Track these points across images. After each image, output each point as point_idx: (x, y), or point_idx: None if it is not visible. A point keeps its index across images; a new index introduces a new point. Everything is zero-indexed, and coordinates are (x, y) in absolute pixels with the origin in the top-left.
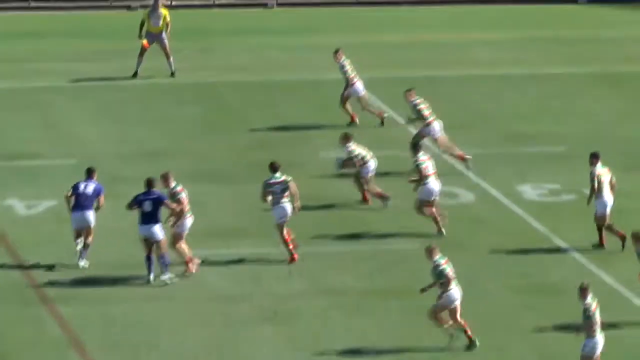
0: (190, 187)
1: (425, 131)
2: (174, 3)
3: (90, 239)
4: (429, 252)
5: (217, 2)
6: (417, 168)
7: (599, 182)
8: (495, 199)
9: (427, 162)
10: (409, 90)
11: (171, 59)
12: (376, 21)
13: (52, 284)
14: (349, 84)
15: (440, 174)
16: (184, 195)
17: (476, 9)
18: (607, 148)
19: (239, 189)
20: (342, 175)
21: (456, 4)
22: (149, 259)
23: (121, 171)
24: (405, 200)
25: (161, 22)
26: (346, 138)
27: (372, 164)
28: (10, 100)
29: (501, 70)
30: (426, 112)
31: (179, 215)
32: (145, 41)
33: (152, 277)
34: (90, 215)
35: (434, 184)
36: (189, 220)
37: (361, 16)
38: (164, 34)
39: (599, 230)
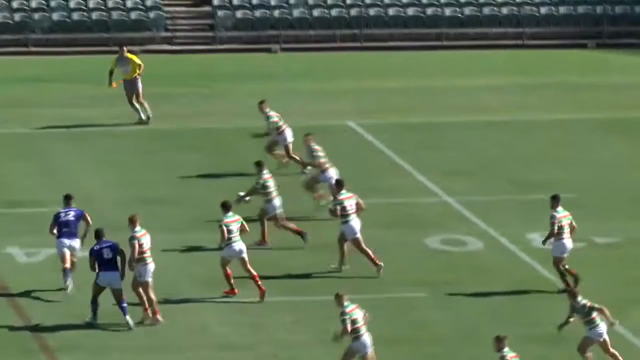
0: (192, 234)
1: (321, 177)
2: (176, 48)
3: (74, 261)
4: (338, 299)
5: (220, 47)
6: (335, 207)
7: (560, 226)
8: (504, 246)
9: (347, 201)
10: (307, 135)
11: (145, 105)
12: (382, 66)
13: (52, 333)
14: (277, 132)
15: (449, 222)
16: (135, 242)
17: (483, 54)
18: (616, 195)
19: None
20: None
21: (462, 49)
22: (95, 302)
23: (122, 219)
24: (411, 249)
25: (130, 68)
26: (260, 165)
27: (278, 202)
28: (9, 146)
29: (508, 116)
30: (323, 159)
31: (138, 261)
32: (115, 84)
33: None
34: (76, 242)
35: (354, 222)
36: (150, 267)
37: (366, 61)
38: (138, 80)
39: (560, 272)
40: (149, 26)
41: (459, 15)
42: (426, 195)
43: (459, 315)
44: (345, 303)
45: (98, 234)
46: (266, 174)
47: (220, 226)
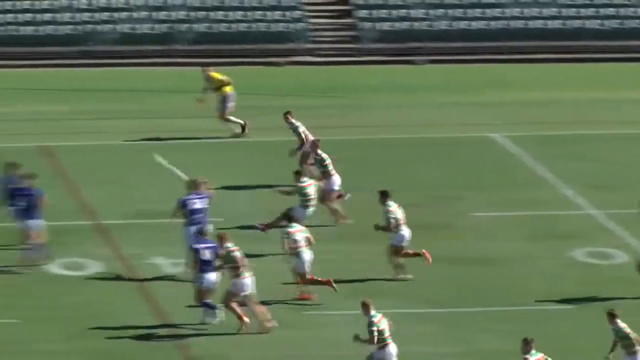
0: (334, 246)
1: (326, 184)
2: (319, 59)
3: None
4: (365, 307)
5: (363, 59)
6: (389, 220)
7: None
8: None
9: (398, 212)
10: (317, 140)
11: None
12: (525, 79)
13: (198, 343)
14: (303, 142)
15: (595, 234)
16: (238, 254)
17: (626, 67)
18: None
19: (384, 249)
20: (495, 236)
21: (605, 62)
22: (207, 304)
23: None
24: (557, 262)
25: (214, 85)
26: (299, 174)
27: (310, 210)
28: (145, 156)
29: None
30: (330, 166)
31: (236, 276)
32: (201, 102)
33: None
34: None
35: (405, 231)
36: (247, 280)
37: (509, 73)
38: (226, 97)
39: None
40: (293, 38)
41: (602, 27)
42: (571, 208)
43: (606, 328)
44: (372, 312)
45: (201, 232)
46: (307, 180)
47: (284, 237)
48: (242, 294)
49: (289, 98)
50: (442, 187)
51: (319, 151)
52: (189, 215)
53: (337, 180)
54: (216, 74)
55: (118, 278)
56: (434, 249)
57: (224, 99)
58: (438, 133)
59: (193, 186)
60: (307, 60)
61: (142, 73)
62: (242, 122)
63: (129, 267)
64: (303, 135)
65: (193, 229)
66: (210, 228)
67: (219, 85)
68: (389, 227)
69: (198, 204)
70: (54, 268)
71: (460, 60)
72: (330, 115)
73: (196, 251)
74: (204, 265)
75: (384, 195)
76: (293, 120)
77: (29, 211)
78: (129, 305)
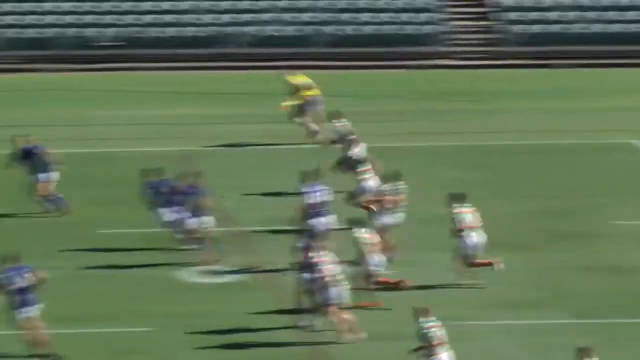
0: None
1: (359, 188)
2: (455, 63)
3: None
4: (418, 312)
5: (499, 63)
6: (452, 219)
7: None
8: None
9: (462, 215)
10: (356, 138)
11: (307, 124)
12: None
13: (334, 351)
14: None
15: None
16: (322, 267)
17: None
18: None
19: (531, 257)
20: (636, 245)
21: None
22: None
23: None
24: None
25: (290, 90)
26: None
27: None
28: (285, 161)
29: None
30: (361, 168)
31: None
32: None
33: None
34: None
35: (472, 237)
36: (333, 290)
37: None
38: (306, 102)
39: None
40: (427, 41)
41: None
42: None
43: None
44: (424, 318)
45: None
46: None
47: (357, 241)
48: (328, 302)
49: (425, 102)
50: (581, 195)
51: (356, 151)
52: (307, 208)
53: (372, 183)
54: (292, 79)
55: (253, 286)
56: (575, 258)
57: (301, 104)
58: (576, 139)
59: (312, 177)
60: (443, 64)
61: (274, 76)
62: (316, 129)
63: (265, 275)
64: (341, 136)
65: (309, 222)
66: (330, 222)
67: (294, 90)
68: (456, 229)
69: (316, 197)
70: (188, 275)
71: (599, 64)
72: (468, 120)
73: (305, 249)
74: (306, 263)
75: (453, 199)
76: (338, 121)
77: (193, 210)
78: (263, 314)
